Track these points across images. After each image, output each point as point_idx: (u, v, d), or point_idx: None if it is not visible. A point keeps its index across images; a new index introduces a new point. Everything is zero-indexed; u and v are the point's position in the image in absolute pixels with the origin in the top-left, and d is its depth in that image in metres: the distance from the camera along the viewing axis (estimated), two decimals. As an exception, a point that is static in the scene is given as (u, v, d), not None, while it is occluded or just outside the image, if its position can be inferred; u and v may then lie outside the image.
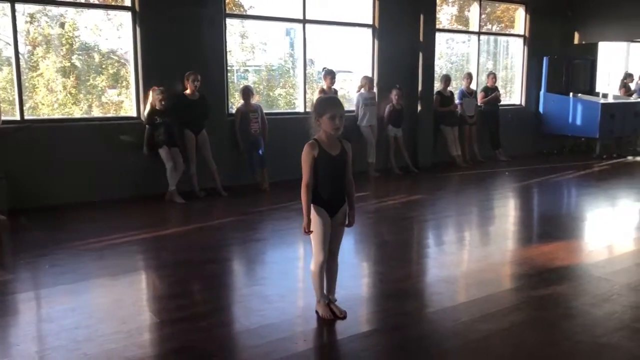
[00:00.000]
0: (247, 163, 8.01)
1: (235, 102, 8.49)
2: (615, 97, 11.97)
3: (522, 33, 11.58)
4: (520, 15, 11.63)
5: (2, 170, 6.26)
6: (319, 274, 3.67)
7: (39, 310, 4.05)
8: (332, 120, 3.47)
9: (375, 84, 9.29)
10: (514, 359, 3.25)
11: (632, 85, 13.18)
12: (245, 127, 7.85)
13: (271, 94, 9.82)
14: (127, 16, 7.40)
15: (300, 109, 8.96)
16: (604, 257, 5.11)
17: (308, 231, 3.53)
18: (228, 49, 8.25)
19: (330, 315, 3.68)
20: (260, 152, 7.89)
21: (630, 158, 11.08)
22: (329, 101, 3.68)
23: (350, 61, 9.87)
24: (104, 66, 8.08)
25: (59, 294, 4.19)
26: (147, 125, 7.16)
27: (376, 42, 9.41)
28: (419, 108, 9.75)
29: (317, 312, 3.74)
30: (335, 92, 8.77)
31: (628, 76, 13.26)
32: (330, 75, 8.58)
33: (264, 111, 8.13)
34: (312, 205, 3.53)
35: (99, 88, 8.06)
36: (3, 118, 6.55)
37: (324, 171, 3.51)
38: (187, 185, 7.34)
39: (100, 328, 3.55)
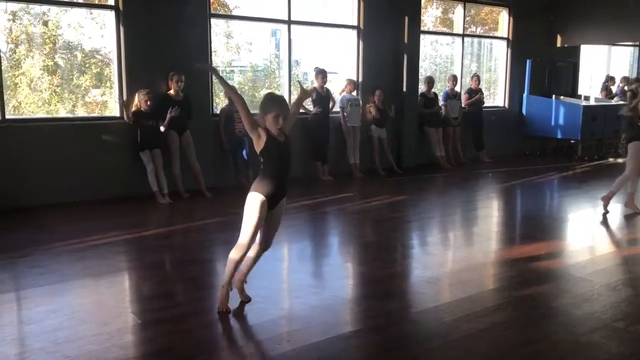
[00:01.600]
0: (232, 164, 8.00)
1: (220, 102, 8.46)
2: (597, 99, 12.12)
3: (505, 36, 11.69)
4: (503, 18, 11.73)
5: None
6: (239, 261, 3.73)
7: (19, 312, 4.00)
8: (276, 120, 3.55)
9: (358, 87, 9.33)
10: (496, 358, 3.27)
11: (614, 88, 13.36)
12: (230, 127, 7.83)
13: (256, 94, 9.80)
14: (110, 15, 7.34)
15: (285, 109, 8.93)
16: (584, 257, 5.18)
17: None
18: (213, 49, 8.22)
19: (225, 308, 3.74)
20: (245, 152, 7.87)
21: (611, 160, 11.22)
22: (275, 100, 3.71)
23: (335, 62, 9.88)
24: (87, 65, 8.01)
25: (39, 295, 4.14)
26: (134, 125, 7.12)
27: (361, 43, 9.44)
28: (404, 109, 9.79)
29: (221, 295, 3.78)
30: (327, 91, 8.79)
31: (610, 79, 13.44)
32: (321, 74, 8.60)
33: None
34: (256, 194, 3.60)
35: (83, 87, 7.99)
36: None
37: (274, 157, 3.61)
38: (171, 186, 7.30)
39: (82, 330, 3.52)
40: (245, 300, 3.91)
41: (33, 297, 4.11)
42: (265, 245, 3.86)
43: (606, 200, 6.74)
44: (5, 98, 6.80)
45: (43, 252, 5.06)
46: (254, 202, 3.60)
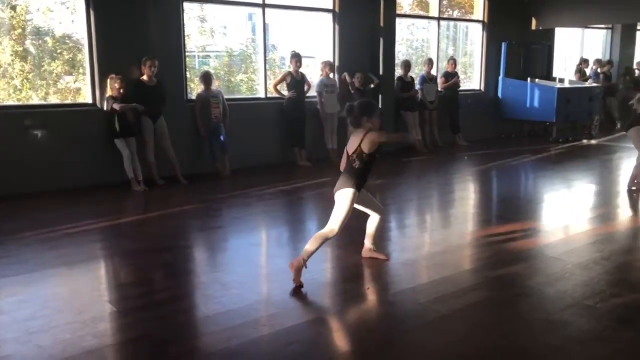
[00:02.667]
0: (208, 150, 7.92)
1: (195, 87, 8.36)
2: (571, 82, 12.24)
3: (480, 18, 11.71)
4: (479, 1, 11.75)
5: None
6: (323, 241, 4.03)
7: (-10, 303, 3.93)
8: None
9: (335, 70, 9.27)
10: (471, 337, 3.31)
11: (587, 71, 13.52)
12: (206, 113, 7.75)
13: (232, 79, 9.70)
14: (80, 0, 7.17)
15: (261, 94, 8.88)
16: (558, 238, 5.26)
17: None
18: (186, 33, 8.09)
19: (299, 282, 3.96)
20: (222, 138, 7.80)
21: (585, 141, 11.37)
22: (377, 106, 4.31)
23: (312, 46, 9.80)
24: (58, 51, 7.82)
25: (9, 285, 4.05)
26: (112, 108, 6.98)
27: (336, 27, 9.38)
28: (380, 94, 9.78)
29: (295, 268, 3.98)
30: (302, 75, 8.72)
31: (583, 61, 13.58)
32: (296, 57, 8.52)
33: (225, 97, 8.05)
34: (350, 189, 4.00)
35: (55, 74, 7.82)
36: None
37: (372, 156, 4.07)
38: (146, 172, 7.21)
39: (55, 319, 3.47)
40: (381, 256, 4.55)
41: (3, 287, 4.03)
42: (379, 211, 4.41)
43: (632, 182, 6.98)
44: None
45: (12, 242, 4.96)
46: (348, 196, 4.00)
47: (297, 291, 3.90)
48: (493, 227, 5.78)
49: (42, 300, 3.81)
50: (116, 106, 6.90)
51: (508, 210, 6.42)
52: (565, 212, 6.34)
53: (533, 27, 12.26)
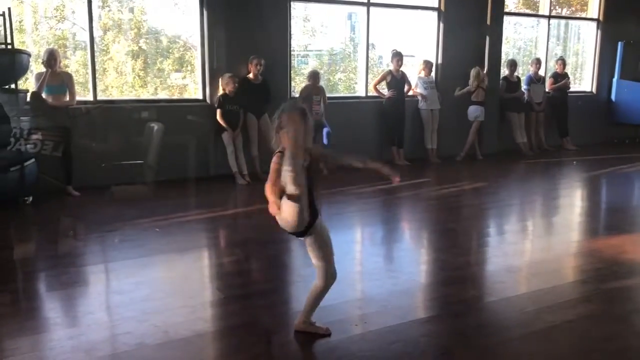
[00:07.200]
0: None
1: (297, 86, 8.54)
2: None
3: (595, 16, 11.05)
4: (594, -2, 11.10)
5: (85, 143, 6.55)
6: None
7: (111, 283, 4.25)
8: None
9: (437, 70, 9.13)
10: (580, 351, 3.16)
11: None
12: (308, 107, 7.87)
13: (331, 78, 9.81)
14: (194, 1, 7.53)
15: (361, 93, 8.92)
16: (679, 252, 4.88)
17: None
18: (291, 33, 8.28)
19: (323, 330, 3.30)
20: (326, 130, 7.84)
21: None
22: None
23: (412, 45, 9.69)
24: (170, 50, 8.29)
25: (128, 267, 4.37)
26: (218, 109, 7.31)
27: (441, 25, 9.21)
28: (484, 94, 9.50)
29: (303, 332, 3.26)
30: (403, 74, 8.67)
31: None
32: (397, 57, 8.49)
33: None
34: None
35: (166, 72, 8.30)
36: (77, 98, 6.82)
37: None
38: (250, 167, 7.46)
39: (169, 301, 3.70)
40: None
41: (123, 269, 4.35)
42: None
43: None
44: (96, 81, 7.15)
45: (131, 227, 5.33)
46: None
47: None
48: (603, 238, 5.45)
49: (157, 283, 4.08)
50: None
51: (620, 221, 6.01)
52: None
53: (655, 25, 11.40)
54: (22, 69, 6.28)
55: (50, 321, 3.51)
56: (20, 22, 7.43)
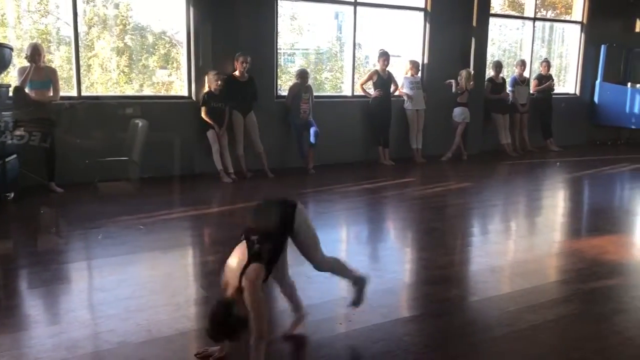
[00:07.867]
0: (297, 144, 8.02)
1: (283, 84, 8.53)
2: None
3: (579, 19, 11.18)
4: (578, 1, 11.21)
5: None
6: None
7: (93, 280, 4.21)
8: None
9: (423, 70, 9.17)
10: (562, 350, 3.19)
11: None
12: (297, 105, 7.88)
13: (318, 77, 9.82)
14: (180, -3, 7.50)
15: (347, 92, 8.93)
16: (658, 252, 4.96)
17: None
18: (278, 31, 8.26)
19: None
20: (314, 129, 7.84)
21: (689, 152, 10.61)
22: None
23: (399, 45, 9.73)
24: (155, 47, 8.23)
25: (111, 264, 4.32)
26: (203, 107, 7.27)
27: (428, 26, 9.26)
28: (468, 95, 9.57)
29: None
30: (389, 74, 8.69)
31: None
32: (384, 56, 8.51)
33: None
34: None
35: (151, 68, 8.24)
36: (61, 94, 6.73)
37: None
38: (235, 165, 7.44)
39: (152, 299, 3.67)
40: None
41: (106, 267, 4.31)
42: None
43: None
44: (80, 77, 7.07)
45: (114, 225, 5.28)
46: None
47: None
48: (585, 238, 5.52)
49: (140, 281, 4.05)
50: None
51: (602, 221, 6.09)
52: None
53: (637, 29, 11.56)
54: (4, 64, 6.20)
55: (31, 319, 3.47)
56: (2, 15, 7.34)
